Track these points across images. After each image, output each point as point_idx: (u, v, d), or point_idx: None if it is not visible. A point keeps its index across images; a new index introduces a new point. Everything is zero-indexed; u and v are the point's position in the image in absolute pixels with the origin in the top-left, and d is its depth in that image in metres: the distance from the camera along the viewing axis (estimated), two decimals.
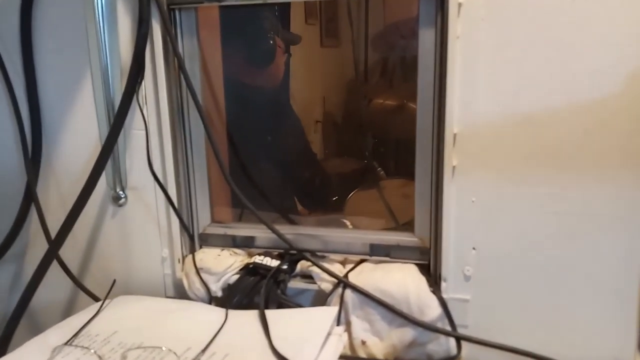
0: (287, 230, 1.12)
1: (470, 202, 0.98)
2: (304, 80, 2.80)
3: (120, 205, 1.19)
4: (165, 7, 1.03)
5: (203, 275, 1.11)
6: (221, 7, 1.13)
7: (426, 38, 0.97)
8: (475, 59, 0.92)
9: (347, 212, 1.73)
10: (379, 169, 2.07)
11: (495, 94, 0.92)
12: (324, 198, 1.93)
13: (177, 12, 1.07)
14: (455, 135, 0.95)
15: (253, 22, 1.52)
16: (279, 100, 1.71)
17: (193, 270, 1.11)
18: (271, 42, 1.53)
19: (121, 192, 1.17)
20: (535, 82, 0.91)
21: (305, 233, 1.12)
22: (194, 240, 1.18)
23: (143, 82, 1.08)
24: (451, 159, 0.96)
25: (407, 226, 1.11)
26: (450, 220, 0.99)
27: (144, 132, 1.12)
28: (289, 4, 2.13)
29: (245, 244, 1.16)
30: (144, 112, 1.10)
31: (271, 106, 1.64)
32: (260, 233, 1.14)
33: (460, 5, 0.90)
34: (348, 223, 1.26)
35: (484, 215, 0.98)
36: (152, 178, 1.12)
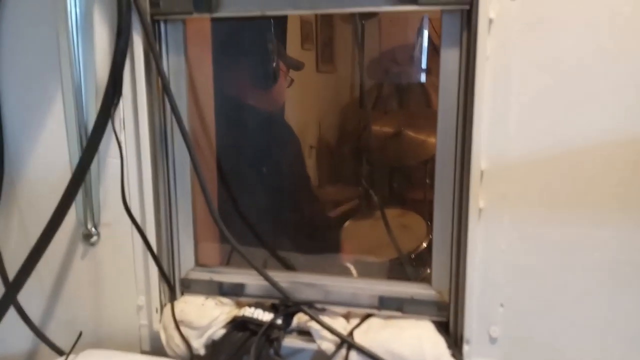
0: (282, 277, 0.97)
1: (500, 251, 0.84)
2: (299, 105, 2.76)
3: (92, 244, 1.03)
4: (148, 18, 0.90)
5: (183, 329, 0.95)
6: (214, 20, 1.00)
7: (449, 59, 0.83)
8: (509, 84, 0.79)
9: (343, 242, 1.63)
10: (376, 197, 1.95)
11: (531, 125, 0.79)
12: (320, 228, 1.83)
13: (162, 24, 0.93)
14: (482, 172, 0.82)
15: (253, 40, 1.42)
16: (279, 124, 1.59)
17: (172, 323, 0.95)
18: (274, 64, 1.44)
19: (93, 229, 1.02)
20: (580, 111, 0.77)
21: (303, 281, 0.97)
22: (174, 287, 1.02)
23: (121, 104, 0.94)
24: (477, 199, 0.82)
25: (421, 269, 0.96)
26: (475, 272, 0.85)
27: (118, 161, 0.97)
28: (285, 29, 2.05)
29: (234, 291, 1.00)
30: (121, 137, 0.96)
31: (270, 130, 1.51)
32: (251, 280, 0.99)
33: (491, 20, 0.77)
34: (352, 268, 1.10)
35: (515, 266, 0.84)
36: (133, 212, 0.97)
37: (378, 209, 1.91)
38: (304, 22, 2.75)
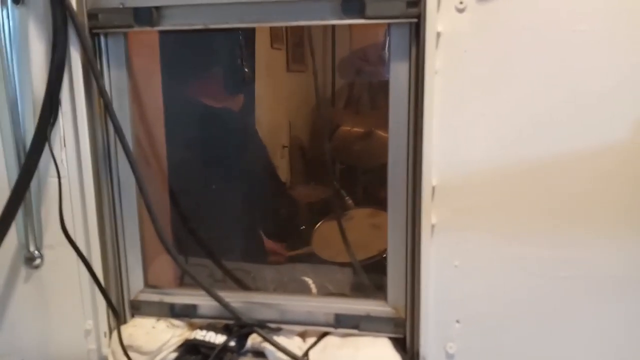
0: (236, 296, 0.94)
1: (453, 267, 0.83)
2: (270, 104, 2.73)
3: (35, 267, 0.98)
4: (86, 31, 0.86)
5: (132, 354, 0.91)
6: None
7: (399, 72, 0.81)
8: (459, 98, 0.77)
9: (315, 244, 1.59)
10: (347, 197, 1.92)
11: (483, 138, 0.78)
12: (292, 228, 1.80)
13: (102, 38, 0.89)
14: (434, 187, 0.80)
15: (210, 40, 1.38)
16: (240, 125, 1.55)
17: (120, 348, 0.91)
18: (245, 69, 1.40)
19: (36, 252, 0.97)
20: (532, 125, 0.76)
21: (257, 301, 0.94)
22: (123, 309, 0.98)
23: (60, 121, 0.89)
24: (430, 215, 0.81)
25: (379, 292, 0.94)
26: (430, 288, 0.84)
27: (65, 180, 0.92)
28: (253, 29, 2.01)
29: (186, 313, 0.97)
30: (62, 156, 0.91)
31: (231, 132, 1.47)
32: (203, 300, 0.95)
33: (439, 34, 0.76)
34: (310, 282, 1.08)
35: (469, 282, 0.83)
36: (74, 233, 0.92)
37: (350, 209, 1.90)
38: None
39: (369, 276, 1.20)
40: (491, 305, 0.83)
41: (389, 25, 0.80)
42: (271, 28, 2.72)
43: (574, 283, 0.79)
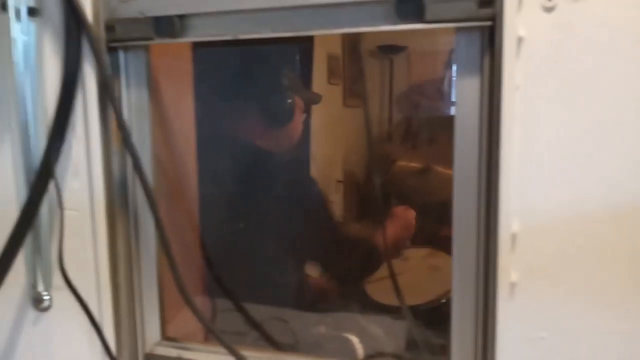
0: (268, 357, 0.79)
1: (540, 339, 0.64)
2: (326, 140, 2.69)
3: (44, 310, 0.87)
4: (103, 45, 0.75)
5: None
6: (196, 47, 0.86)
7: (467, 90, 0.65)
8: (546, 121, 0.60)
9: (368, 286, 1.47)
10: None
11: (579, 174, 0.60)
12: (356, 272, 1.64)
13: (120, 53, 0.78)
14: (514, 235, 0.62)
15: (261, 69, 1.28)
16: (294, 165, 1.42)
17: None
18: (289, 100, 1.29)
19: (45, 293, 0.86)
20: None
21: None
22: None
23: (73, 147, 0.79)
24: (509, 271, 0.63)
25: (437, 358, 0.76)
26: None
27: (77, 213, 0.81)
28: (311, 63, 1.93)
29: None
30: (73, 185, 0.80)
31: (282, 172, 1.35)
32: (229, 359, 0.80)
33: (521, 40, 0.59)
34: (356, 342, 0.91)
35: (559, 358, 0.63)
36: (85, 274, 0.81)
37: (406, 248, 1.77)
38: (330, 57, 2.69)
39: (429, 329, 1.02)
40: None
41: (455, 30, 0.64)
42: (328, 63, 2.68)
43: None
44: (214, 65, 1.17)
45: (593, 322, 0.62)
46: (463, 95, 0.65)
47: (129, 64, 0.79)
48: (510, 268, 0.63)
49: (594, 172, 0.60)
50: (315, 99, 1.58)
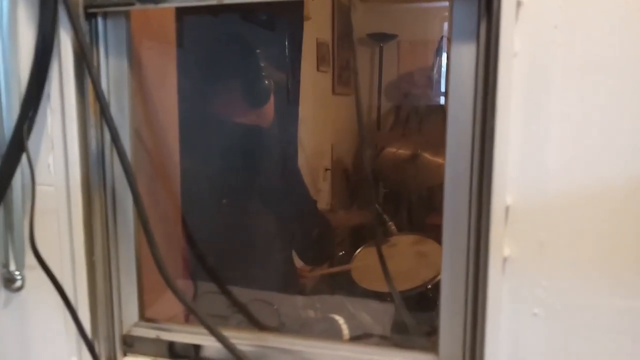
0: (250, 338, 0.76)
1: (532, 315, 0.62)
2: (315, 127, 2.65)
3: (15, 290, 0.83)
4: (80, 10, 0.71)
5: None
6: (179, 15, 0.82)
7: (462, 58, 0.63)
8: (545, 89, 0.57)
9: (354, 271, 1.48)
10: (390, 222, 1.79)
11: (577, 144, 0.57)
12: (327, 252, 1.69)
13: (99, 20, 0.74)
14: (508, 208, 0.60)
15: (244, 48, 1.25)
16: (278, 144, 1.41)
17: None
18: (267, 82, 1.28)
19: (16, 273, 0.82)
20: None
21: (274, 345, 0.75)
22: (113, 345, 0.81)
23: (48, 120, 0.75)
24: (501, 245, 0.61)
25: (426, 340, 0.74)
26: (499, 342, 0.63)
27: (52, 189, 0.78)
28: (300, 51, 1.90)
29: (187, 354, 0.79)
30: (49, 160, 0.76)
31: (264, 148, 1.33)
32: (209, 340, 0.77)
33: (519, 4, 0.57)
34: (342, 322, 0.88)
35: (554, 336, 0.62)
36: (60, 253, 0.77)
37: (393, 235, 1.78)
38: (320, 44, 2.66)
39: (416, 314, 1.00)
40: None
41: None
42: (318, 50, 2.65)
43: None
44: (199, 37, 1.13)
45: (589, 298, 0.60)
46: (458, 62, 0.63)
47: (108, 31, 0.75)
48: (503, 242, 0.60)
49: (596, 144, 0.57)
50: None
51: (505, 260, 0.61)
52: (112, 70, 0.77)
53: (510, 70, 0.58)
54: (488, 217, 0.61)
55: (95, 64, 0.75)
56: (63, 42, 0.72)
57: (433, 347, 0.71)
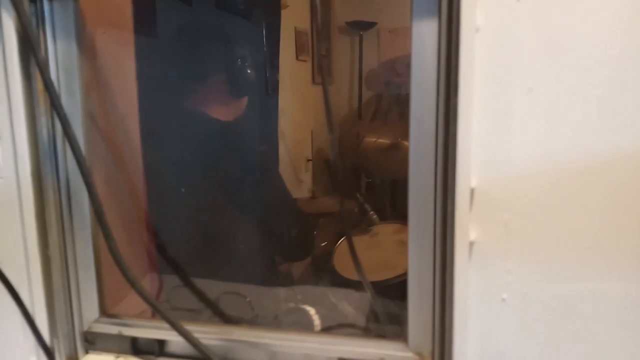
0: (217, 333, 0.73)
1: (500, 301, 0.60)
2: (295, 117, 2.61)
3: None
4: None
5: None
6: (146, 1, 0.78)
7: (423, 36, 0.60)
8: (510, 66, 0.55)
9: (336, 261, 1.45)
10: (372, 212, 1.79)
11: (545, 124, 0.55)
12: (308, 247, 1.64)
13: (45, 1, 0.70)
14: (472, 190, 0.58)
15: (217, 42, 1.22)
16: (244, 133, 1.37)
17: None
18: (249, 71, 1.24)
19: None
20: (614, 105, 0.54)
21: (240, 338, 0.73)
22: (74, 343, 0.78)
23: None
24: (467, 229, 0.59)
25: (401, 329, 0.72)
26: (467, 329, 0.61)
27: (2, 181, 0.74)
28: (278, 40, 1.86)
29: (151, 349, 0.76)
30: (0, 152, 0.72)
31: (235, 143, 1.29)
32: (173, 335, 0.74)
33: None
34: (313, 313, 0.86)
35: (522, 322, 0.60)
36: (12, 247, 0.74)
37: (375, 224, 1.76)
38: (299, 32, 2.62)
39: (397, 303, 0.99)
40: (551, 352, 0.60)
41: None
42: (297, 39, 2.61)
43: None
44: (169, 26, 1.09)
45: (555, 283, 0.58)
46: (420, 40, 0.60)
47: (55, 14, 0.71)
48: (468, 226, 0.58)
49: (562, 123, 0.55)
50: None
51: (471, 244, 0.59)
52: (61, 55, 0.73)
53: (473, 46, 0.55)
54: (453, 200, 0.58)
55: (42, 49, 0.71)
56: (6, 25, 0.68)
57: (403, 336, 0.69)
